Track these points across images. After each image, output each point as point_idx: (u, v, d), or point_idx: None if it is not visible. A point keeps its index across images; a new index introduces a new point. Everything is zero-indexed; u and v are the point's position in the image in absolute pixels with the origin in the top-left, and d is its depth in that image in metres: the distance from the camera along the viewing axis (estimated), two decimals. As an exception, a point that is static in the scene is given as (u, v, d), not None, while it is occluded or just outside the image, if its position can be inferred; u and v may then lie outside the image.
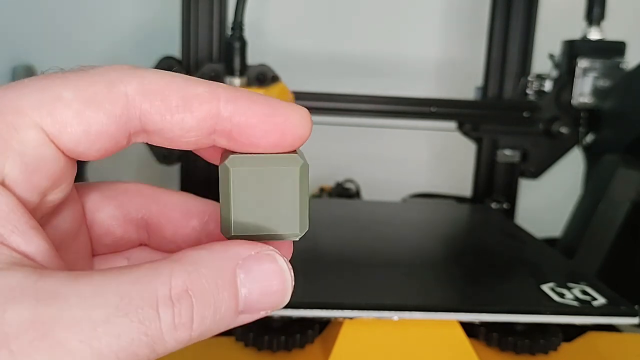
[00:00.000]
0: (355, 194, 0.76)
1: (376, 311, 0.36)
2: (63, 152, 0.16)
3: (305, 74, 0.88)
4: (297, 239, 0.17)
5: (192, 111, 0.16)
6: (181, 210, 0.20)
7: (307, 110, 0.17)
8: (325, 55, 0.89)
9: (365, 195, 0.78)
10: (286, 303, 0.16)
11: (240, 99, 0.16)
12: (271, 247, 0.16)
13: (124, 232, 0.20)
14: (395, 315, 0.36)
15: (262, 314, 0.16)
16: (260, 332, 0.35)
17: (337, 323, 0.36)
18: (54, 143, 0.15)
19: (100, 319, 0.13)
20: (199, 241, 0.20)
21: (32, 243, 0.15)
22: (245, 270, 0.15)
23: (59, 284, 0.14)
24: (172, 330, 0.14)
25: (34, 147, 0.15)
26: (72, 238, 0.19)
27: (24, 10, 0.87)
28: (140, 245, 0.21)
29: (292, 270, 0.16)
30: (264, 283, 0.16)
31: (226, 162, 0.16)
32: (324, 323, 0.37)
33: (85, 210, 0.19)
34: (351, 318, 0.36)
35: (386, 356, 0.35)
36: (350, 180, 0.78)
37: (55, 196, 0.16)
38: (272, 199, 0.17)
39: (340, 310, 0.36)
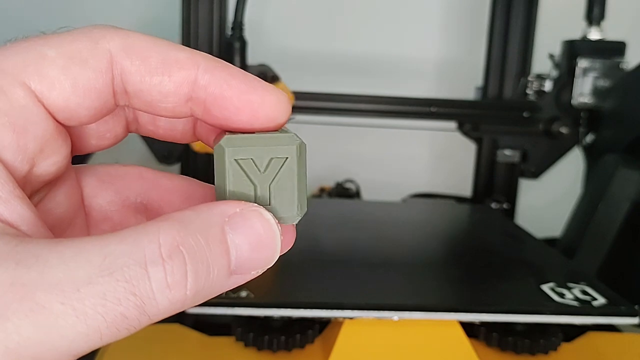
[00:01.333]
0: (355, 194, 0.76)
1: (376, 311, 0.36)
2: (52, 114, 0.15)
3: (305, 74, 0.88)
4: (296, 222, 0.17)
5: (170, 75, 0.16)
6: (182, 194, 0.20)
7: (286, 95, 0.17)
8: (326, 55, 0.89)
9: (365, 195, 0.78)
10: (275, 259, 0.16)
11: (218, 70, 0.16)
12: (255, 204, 0.16)
13: (121, 218, 0.19)
14: (395, 315, 0.36)
15: (253, 274, 0.16)
16: (260, 332, 0.35)
17: (337, 323, 0.36)
18: (42, 103, 0.15)
19: (83, 279, 0.13)
20: None
21: (15, 211, 0.14)
22: (232, 227, 0.15)
23: (40, 248, 0.13)
24: (165, 289, 0.14)
25: (22, 107, 0.14)
26: (67, 223, 0.18)
27: (23, 9, 0.87)
28: None
29: (279, 226, 0.16)
30: (252, 238, 0.15)
31: (221, 141, 0.16)
32: (324, 323, 0.37)
33: (83, 195, 0.19)
34: (351, 318, 0.36)
35: (386, 356, 0.35)
36: (350, 180, 0.78)
37: (46, 169, 0.16)
38: (269, 181, 0.16)
39: (340, 310, 0.36)
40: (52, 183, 0.17)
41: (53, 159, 0.16)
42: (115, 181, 0.19)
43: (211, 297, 0.15)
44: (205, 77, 0.16)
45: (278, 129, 0.17)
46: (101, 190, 0.19)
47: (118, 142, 0.19)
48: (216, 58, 0.16)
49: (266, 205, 0.16)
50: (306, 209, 0.17)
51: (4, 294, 0.12)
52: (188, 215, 0.15)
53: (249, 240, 0.15)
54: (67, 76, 0.15)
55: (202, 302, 0.15)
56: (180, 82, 0.16)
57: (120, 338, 0.14)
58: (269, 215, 0.16)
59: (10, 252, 0.13)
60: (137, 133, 0.19)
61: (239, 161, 0.16)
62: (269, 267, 0.16)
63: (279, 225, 0.16)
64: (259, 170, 0.16)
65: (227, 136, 0.16)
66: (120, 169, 0.20)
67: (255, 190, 0.16)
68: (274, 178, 0.16)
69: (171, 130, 0.19)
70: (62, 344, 0.13)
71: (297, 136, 0.16)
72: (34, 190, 0.16)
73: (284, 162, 0.16)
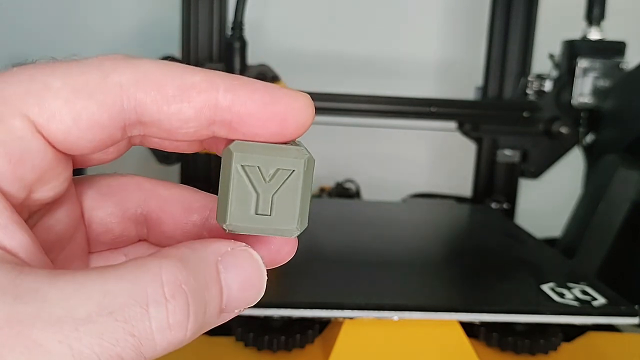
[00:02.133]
0: (355, 194, 0.76)
1: (376, 311, 0.36)
2: (52, 145, 0.15)
3: (305, 74, 0.88)
4: (294, 236, 0.17)
5: (190, 101, 0.15)
6: (182, 204, 0.19)
7: (308, 96, 0.16)
8: (325, 55, 0.89)
9: (365, 195, 0.78)
10: (259, 299, 0.16)
11: (240, 88, 0.16)
12: (244, 244, 0.16)
13: (122, 230, 0.19)
14: (395, 315, 0.36)
15: (236, 313, 0.16)
16: (261, 332, 0.35)
17: (337, 323, 0.36)
18: (41, 134, 0.14)
19: (82, 317, 0.12)
20: (200, 236, 0.19)
21: (14, 238, 0.14)
22: (225, 266, 0.15)
23: (40, 281, 0.13)
24: (166, 329, 0.13)
25: (19, 138, 0.14)
26: (68, 238, 0.18)
27: (24, 9, 0.87)
28: (140, 241, 0.20)
29: (265, 267, 0.16)
30: (242, 278, 0.15)
31: (230, 146, 0.16)
32: (324, 323, 0.37)
33: (82, 208, 0.19)
34: (351, 318, 0.36)
35: (386, 356, 0.35)
36: (350, 180, 0.78)
37: (44, 193, 0.16)
38: (273, 191, 0.16)
39: (340, 310, 0.36)
40: (51, 203, 0.17)
41: (51, 185, 0.16)
42: (115, 193, 0.19)
43: (199, 334, 0.15)
44: (228, 97, 0.15)
45: (290, 141, 0.17)
46: (101, 202, 0.19)
47: (121, 155, 0.18)
48: (234, 75, 0.16)
49: (266, 215, 0.16)
50: (306, 225, 0.17)
51: (0, 330, 0.12)
52: (186, 253, 0.15)
53: (239, 279, 0.15)
54: (69, 109, 0.14)
55: (190, 341, 0.15)
56: (201, 107, 0.15)
57: None
58: (257, 256, 0.16)
59: (8, 285, 0.13)
60: (141, 145, 0.19)
61: (245, 167, 0.16)
62: (251, 306, 0.16)
63: (264, 266, 0.16)
64: (264, 179, 0.16)
65: (236, 141, 0.16)
66: (119, 179, 0.19)
67: (257, 199, 0.16)
68: (278, 189, 0.16)
69: (178, 144, 0.19)
70: None
71: (307, 150, 0.16)
72: (32, 212, 0.16)
73: (290, 174, 0.16)
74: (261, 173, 0.16)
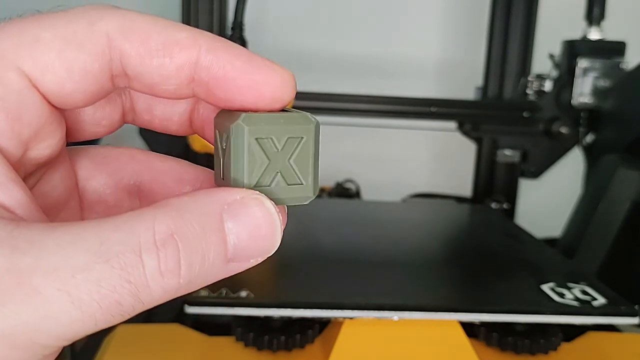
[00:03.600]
0: (355, 194, 0.76)
1: (376, 311, 0.36)
2: (47, 99, 0.15)
3: (305, 73, 0.88)
4: (308, 202, 0.17)
5: (172, 57, 0.15)
6: (174, 176, 0.19)
7: (291, 73, 0.16)
8: (326, 55, 0.90)
9: (365, 195, 0.78)
10: (275, 249, 0.16)
11: (221, 50, 0.16)
12: (257, 192, 0.16)
13: (116, 200, 0.19)
14: (395, 316, 0.36)
15: (252, 262, 0.15)
16: (261, 332, 0.35)
17: (337, 323, 0.36)
18: (36, 87, 0.15)
19: (79, 265, 0.13)
20: None
21: (12, 195, 0.14)
22: (231, 215, 0.15)
23: (37, 233, 0.13)
24: (158, 276, 0.13)
25: (16, 91, 0.14)
26: (62, 205, 0.18)
27: (24, 8, 0.87)
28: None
29: (280, 214, 0.16)
30: (251, 227, 0.15)
31: (240, 119, 0.15)
32: (324, 323, 0.37)
33: (77, 177, 0.19)
34: (351, 318, 0.36)
35: (386, 356, 0.35)
36: (350, 181, 0.78)
37: (40, 152, 0.16)
38: (286, 160, 0.16)
39: (340, 310, 0.36)
40: (46, 166, 0.17)
41: (47, 142, 0.16)
42: (109, 163, 0.19)
43: (208, 283, 0.15)
44: (208, 58, 0.15)
45: (282, 109, 0.16)
46: (95, 172, 0.19)
47: (114, 131, 0.18)
48: (219, 37, 0.16)
49: (280, 184, 0.16)
50: (319, 189, 0.17)
51: (0, 280, 0.12)
52: (185, 202, 0.15)
53: (248, 229, 0.15)
54: (62, 60, 0.14)
55: (199, 288, 0.15)
56: (181, 64, 0.15)
57: (115, 324, 0.14)
58: (269, 204, 0.15)
59: (6, 238, 0.13)
60: (133, 124, 0.19)
61: (259, 140, 0.16)
62: (269, 255, 0.16)
63: (280, 214, 0.16)
64: (277, 149, 0.16)
65: (245, 114, 0.15)
66: (113, 150, 0.19)
67: (271, 169, 0.16)
68: (290, 157, 0.16)
69: (167, 120, 0.19)
70: (58, 329, 0.13)
71: (312, 115, 0.16)
72: (28, 173, 0.16)
73: (300, 141, 0.16)
74: (273, 143, 0.16)
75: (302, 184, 0.16)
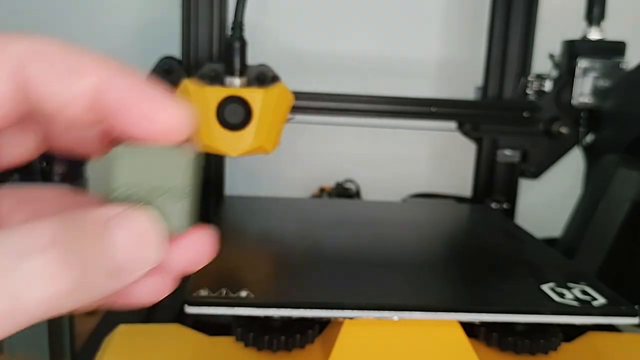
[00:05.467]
0: (355, 194, 0.76)
1: (376, 311, 0.36)
2: None
3: (305, 73, 0.88)
4: (181, 233, 0.17)
5: (73, 83, 0.16)
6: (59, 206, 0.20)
7: (190, 109, 0.17)
8: (326, 55, 0.90)
9: (365, 195, 0.78)
10: (160, 259, 0.16)
11: (121, 79, 0.16)
12: (141, 207, 0.16)
13: None
14: (395, 315, 0.36)
15: (137, 274, 0.16)
16: (261, 332, 0.35)
17: (337, 323, 0.36)
18: None
19: None
20: None
21: None
22: (116, 224, 0.15)
23: None
24: (38, 284, 0.13)
25: None
26: None
27: (24, 8, 0.87)
28: None
29: (164, 227, 0.16)
30: (136, 236, 0.15)
31: (118, 147, 0.16)
32: (324, 323, 0.38)
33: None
34: (351, 318, 0.36)
35: (386, 356, 0.35)
36: (350, 180, 0.78)
37: None
38: (161, 189, 0.16)
39: (340, 311, 0.36)
40: None
41: None
42: (34, 202, 0.19)
43: (93, 298, 0.15)
44: (107, 86, 0.16)
45: (181, 143, 0.17)
46: (18, 210, 0.19)
47: (31, 160, 0.18)
48: (124, 66, 0.16)
49: (155, 212, 0.16)
50: (195, 221, 0.17)
51: None
52: (72, 214, 0.15)
53: (132, 237, 0.15)
54: None
55: (82, 304, 0.15)
56: (82, 91, 0.16)
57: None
58: (154, 216, 0.16)
59: None
60: (52, 150, 0.19)
61: (132, 166, 0.16)
62: (150, 268, 0.16)
63: (162, 226, 0.16)
64: (152, 177, 0.16)
65: (123, 145, 0.16)
66: (40, 190, 0.20)
67: (145, 196, 0.16)
68: (166, 186, 0.16)
69: (84, 144, 0.19)
70: None
71: (195, 149, 0.17)
72: None
73: (178, 171, 0.16)
74: (149, 171, 0.16)
75: (176, 213, 0.16)
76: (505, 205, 0.70)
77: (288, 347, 0.35)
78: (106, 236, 0.15)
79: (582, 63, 0.65)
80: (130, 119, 0.16)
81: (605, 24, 0.66)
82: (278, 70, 0.62)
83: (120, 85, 0.16)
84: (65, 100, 0.16)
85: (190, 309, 0.35)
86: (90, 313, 0.47)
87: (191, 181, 0.16)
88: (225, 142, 0.55)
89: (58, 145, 0.19)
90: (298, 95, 0.63)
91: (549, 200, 0.88)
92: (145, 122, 0.16)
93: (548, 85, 0.68)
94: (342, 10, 0.90)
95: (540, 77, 0.69)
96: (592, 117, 0.67)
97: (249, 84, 0.60)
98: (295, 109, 0.62)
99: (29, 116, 0.17)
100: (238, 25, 0.57)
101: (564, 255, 0.49)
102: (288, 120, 0.61)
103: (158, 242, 0.16)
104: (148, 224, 0.16)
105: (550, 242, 0.57)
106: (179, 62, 0.65)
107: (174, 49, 0.66)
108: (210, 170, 0.68)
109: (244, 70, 0.59)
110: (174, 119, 0.16)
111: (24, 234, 0.14)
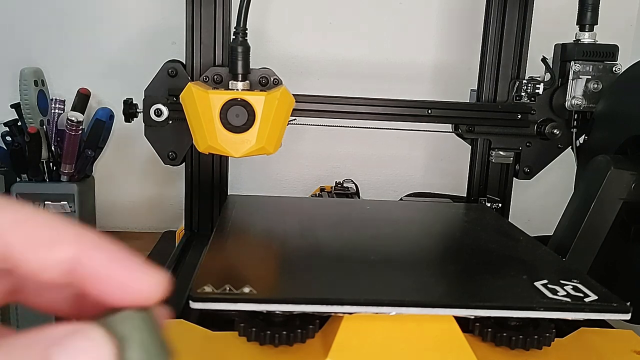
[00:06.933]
0: (354, 194, 0.77)
1: (374, 307, 0.36)
2: None
3: (306, 77, 0.89)
4: None
5: (53, 250, 0.16)
6: None
7: (162, 278, 0.17)
8: (326, 59, 0.90)
9: (364, 194, 0.79)
10: None
11: (98, 251, 0.17)
12: (88, 324, 0.16)
13: None
14: (393, 311, 0.36)
15: None
16: (263, 327, 0.36)
17: (337, 318, 0.37)
18: None
19: None
20: None
21: None
22: (59, 349, 0.14)
23: None
24: None
25: None
26: None
27: (32, 14, 0.88)
28: None
29: (113, 344, 0.15)
30: (79, 356, 0.15)
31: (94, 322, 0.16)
32: (324, 318, 0.38)
33: None
34: (350, 313, 0.36)
35: (384, 350, 0.35)
36: (350, 180, 0.79)
37: None
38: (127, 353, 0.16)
39: (339, 306, 0.36)
40: None
41: None
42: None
43: None
44: (87, 256, 0.16)
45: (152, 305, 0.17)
46: None
47: None
48: (102, 238, 0.17)
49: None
50: None
51: None
52: (15, 339, 0.15)
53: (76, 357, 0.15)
54: None
55: None
56: (58, 260, 0.16)
57: None
58: (98, 334, 0.15)
59: None
60: (21, 303, 0.19)
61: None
62: None
63: (111, 344, 0.16)
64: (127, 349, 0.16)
65: (100, 319, 0.16)
66: None
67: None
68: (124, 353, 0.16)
69: (56, 302, 0.19)
70: None
71: (143, 311, 0.17)
72: None
73: (130, 334, 0.16)
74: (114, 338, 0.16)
75: None
76: (499, 205, 0.71)
77: (289, 342, 0.36)
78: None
79: (575, 66, 0.66)
80: (106, 287, 0.17)
81: (597, 28, 0.67)
82: (280, 73, 0.63)
83: (97, 258, 0.17)
84: (40, 268, 0.16)
85: (194, 305, 0.35)
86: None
87: (150, 339, 0.17)
88: (228, 143, 0.56)
89: (30, 300, 0.19)
90: (299, 98, 0.64)
91: (541, 200, 0.89)
92: (122, 291, 0.17)
93: (541, 88, 0.69)
94: (342, 16, 0.91)
95: (534, 80, 0.70)
96: (584, 119, 0.68)
97: (251, 87, 0.61)
98: (296, 112, 0.63)
99: (3, 270, 0.17)
100: (241, 30, 0.58)
101: (556, 253, 0.50)
102: (289, 123, 0.62)
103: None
104: (92, 349, 0.15)
105: (543, 240, 0.58)
106: (184, 65, 0.66)
107: (179, 54, 0.67)
108: (214, 170, 0.69)
109: (247, 74, 0.60)
110: (150, 287, 0.17)
111: None
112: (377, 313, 0.36)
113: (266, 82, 0.62)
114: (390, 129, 0.78)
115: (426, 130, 0.75)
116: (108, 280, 0.17)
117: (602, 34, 0.67)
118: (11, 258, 0.16)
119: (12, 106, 0.81)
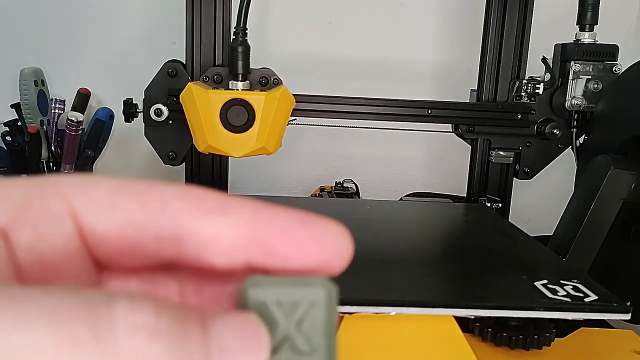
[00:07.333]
0: (354, 194, 0.77)
1: (375, 307, 0.36)
2: (83, 235, 0.14)
3: (306, 77, 0.89)
4: None
5: (229, 215, 0.14)
6: None
7: (349, 239, 0.15)
8: (326, 59, 0.91)
9: (364, 194, 0.79)
10: None
11: (276, 213, 0.15)
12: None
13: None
14: (393, 311, 0.36)
15: None
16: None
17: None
18: (77, 221, 0.14)
19: None
20: None
21: None
22: (219, 321, 0.13)
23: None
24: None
25: (54, 215, 0.14)
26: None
27: (32, 14, 0.88)
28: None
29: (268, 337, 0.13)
30: (239, 339, 0.13)
31: (245, 282, 0.14)
32: None
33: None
34: (350, 313, 0.36)
35: (384, 351, 0.36)
36: (350, 180, 0.79)
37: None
38: (292, 326, 0.14)
39: (340, 306, 0.36)
40: None
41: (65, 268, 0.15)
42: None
43: None
44: (260, 221, 0.14)
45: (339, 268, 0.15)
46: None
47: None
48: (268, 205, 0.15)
49: (289, 353, 0.14)
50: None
51: None
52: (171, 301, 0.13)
53: (236, 337, 0.13)
54: (112, 205, 0.14)
55: None
56: (235, 224, 0.14)
57: None
58: (258, 320, 0.14)
59: None
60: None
61: (262, 304, 0.14)
62: None
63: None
64: (284, 314, 0.14)
65: (251, 276, 0.14)
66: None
67: (278, 336, 0.14)
68: (299, 324, 0.14)
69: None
70: None
71: (327, 280, 0.15)
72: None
73: (312, 307, 0.14)
74: (279, 308, 0.14)
75: (311, 355, 0.14)
76: (499, 205, 0.71)
77: None
78: (208, 329, 0.13)
79: (575, 66, 0.66)
80: (289, 247, 0.14)
81: (597, 28, 0.67)
82: (280, 73, 0.63)
83: (272, 218, 0.14)
84: (215, 237, 0.14)
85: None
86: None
87: (329, 315, 0.14)
88: (228, 143, 0.56)
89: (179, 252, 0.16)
90: (299, 98, 0.64)
91: (541, 200, 0.89)
92: (306, 250, 0.14)
93: (541, 88, 0.69)
94: (342, 16, 0.91)
95: (534, 80, 0.70)
96: (584, 119, 0.68)
97: (251, 87, 0.61)
98: (296, 112, 0.64)
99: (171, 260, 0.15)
100: (241, 30, 0.58)
101: (556, 253, 0.50)
102: (289, 123, 0.63)
103: (262, 349, 0.13)
104: (254, 326, 0.13)
105: (543, 240, 0.58)
106: (184, 65, 0.66)
107: (180, 54, 0.67)
108: (214, 170, 0.69)
109: (247, 73, 0.60)
110: (342, 244, 0.15)
111: (127, 312, 0.12)
112: (377, 313, 0.36)
113: (266, 82, 0.62)
114: (390, 129, 0.78)
115: (426, 130, 0.75)
116: (290, 245, 0.14)
117: (602, 34, 0.67)
118: (178, 233, 0.14)
119: (12, 106, 0.81)
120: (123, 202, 0.14)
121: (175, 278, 0.16)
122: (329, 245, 0.15)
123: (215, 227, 0.14)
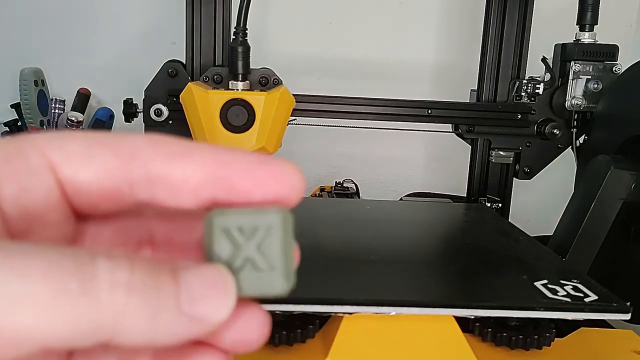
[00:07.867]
0: (354, 194, 0.77)
1: (375, 307, 0.36)
2: (62, 186, 0.15)
3: (306, 77, 0.89)
4: (283, 293, 0.16)
5: (193, 157, 0.16)
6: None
7: (301, 178, 0.17)
8: (326, 59, 0.91)
9: (364, 194, 0.79)
10: (226, 316, 0.15)
11: (236, 154, 0.16)
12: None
13: None
14: (393, 311, 0.36)
15: (205, 327, 0.14)
16: (263, 327, 0.36)
17: (337, 318, 0.37)
18: (55, 172, 0.15)
19: None
20: None
21: None
22: (188, 273, 0.15)
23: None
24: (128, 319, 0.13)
25: (33, 168, 0.15)
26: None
27: (32, 14, 0.88)
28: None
29: (234, 286, 0.15)
30: (207, 287, 0.15)
31: (211, 212, 0.16)
32: (324, 318, 0.38)
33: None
34: (350, 313, 0.36)
35: (384, 350, 0.36)
36: (350, 180, 0.79)
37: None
38: (256, 252, 0.16)
39: (340, 306, 0.36)
40: None
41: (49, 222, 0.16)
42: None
43: (168, 337, 0.14)
44: (222, 162, 0.16)
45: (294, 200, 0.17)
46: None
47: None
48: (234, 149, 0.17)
49: (252, 273, 0.16)
50: (294, 280, 0.17)
51: None
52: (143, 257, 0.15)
53: (204, 286, 0.15)
54: (87, 155, 0.16)
55: (160, 341, 0.14)
56: (200, 165, 0.16)
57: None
58: (225, 272, 0.15)
59: None
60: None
61: (225, 230, 0.16)
62: (217, 323, 0.15)
63: (234, 290, 0.15)
64: (244, 239, 0.16)
65: (215, 209, 0.16)
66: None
67: (242, 262, 0.16)
68: (259, 246, 0.16)
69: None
70: None
71: (284, 208, 0.16)
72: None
73: (269, 230, 0.16)
74: (241, 233, 0.16)
75: (271, 271, 0.16)
76: (499, 205, 0.71)
77: (289, 342, 0.36)
78: (179, 281, 0.14)
79: (575, 66, 0.66)
80: (250, 184, 0.16)
81: (597, 28, 0.67)
82: (280, 73, 0.63)
83: (234, 160, 0.16)
84: (183, 179, 0.16)
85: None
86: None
87: (285, 238, 0.16)
88: (228, 143, 0.56)
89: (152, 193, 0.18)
90: (299, 98, 0.64)
91: (541, 200, 0.89)
92: (265, 185, 0.16)
93: (541, 88, 0.69)
94: (342, 16, 0.91)
95: (534, 80, 0.70)
96: (584, 119, 0.68)
97: (251, 87, 0.61)
98: (296, 112, 0.64)
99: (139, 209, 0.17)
100: (241, 30, 0.58)
101: (556, 253, 0.50)
102: (289, 123, 0.63)
103: (228, 295, 0.15)
104: (220, 275, 0.15)
105: (543, 240, 0.58)
106: (184, 65, 0.66)
107: (179, 54, 0.67)
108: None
109: (247, 74, 0.60)
110: (296, 180, 0.16)
111: (107, 270, 0.13)
112: (377, 313, 0.36)
113: (266, 82, 0.62)
114: (390, 129, 0.78)
115: (426, 130, 0.75)
116: (250, 182, 0.16)
117: (602, 34, 0.67)
118: (150, 177, 0.16)
119: (12, 106, 0.81)
120: (97, 152, 0.15)
121: (146, 229, 0.18)
122: (285, 181, 0.16)
123: (183, 169, 0.16)
